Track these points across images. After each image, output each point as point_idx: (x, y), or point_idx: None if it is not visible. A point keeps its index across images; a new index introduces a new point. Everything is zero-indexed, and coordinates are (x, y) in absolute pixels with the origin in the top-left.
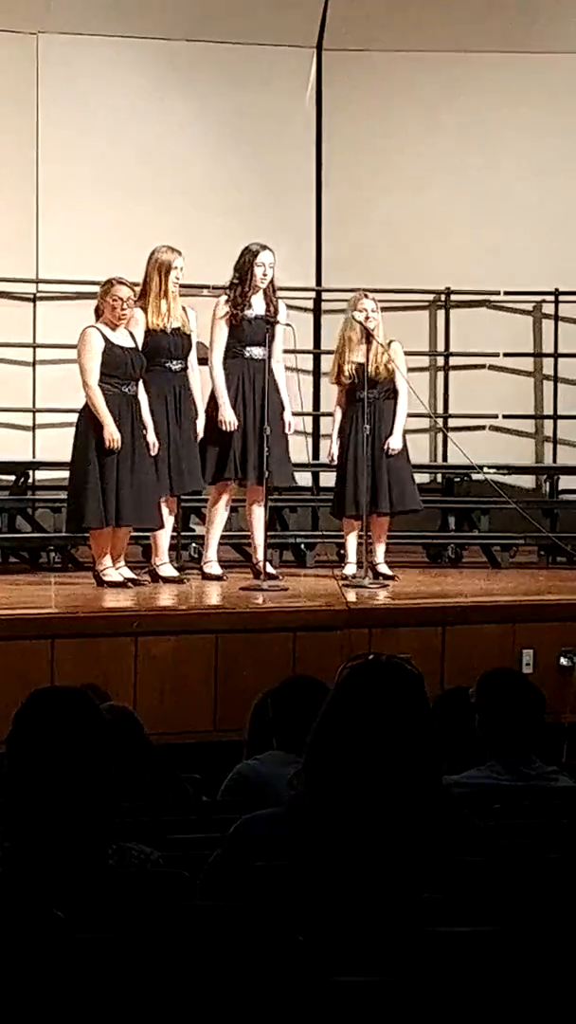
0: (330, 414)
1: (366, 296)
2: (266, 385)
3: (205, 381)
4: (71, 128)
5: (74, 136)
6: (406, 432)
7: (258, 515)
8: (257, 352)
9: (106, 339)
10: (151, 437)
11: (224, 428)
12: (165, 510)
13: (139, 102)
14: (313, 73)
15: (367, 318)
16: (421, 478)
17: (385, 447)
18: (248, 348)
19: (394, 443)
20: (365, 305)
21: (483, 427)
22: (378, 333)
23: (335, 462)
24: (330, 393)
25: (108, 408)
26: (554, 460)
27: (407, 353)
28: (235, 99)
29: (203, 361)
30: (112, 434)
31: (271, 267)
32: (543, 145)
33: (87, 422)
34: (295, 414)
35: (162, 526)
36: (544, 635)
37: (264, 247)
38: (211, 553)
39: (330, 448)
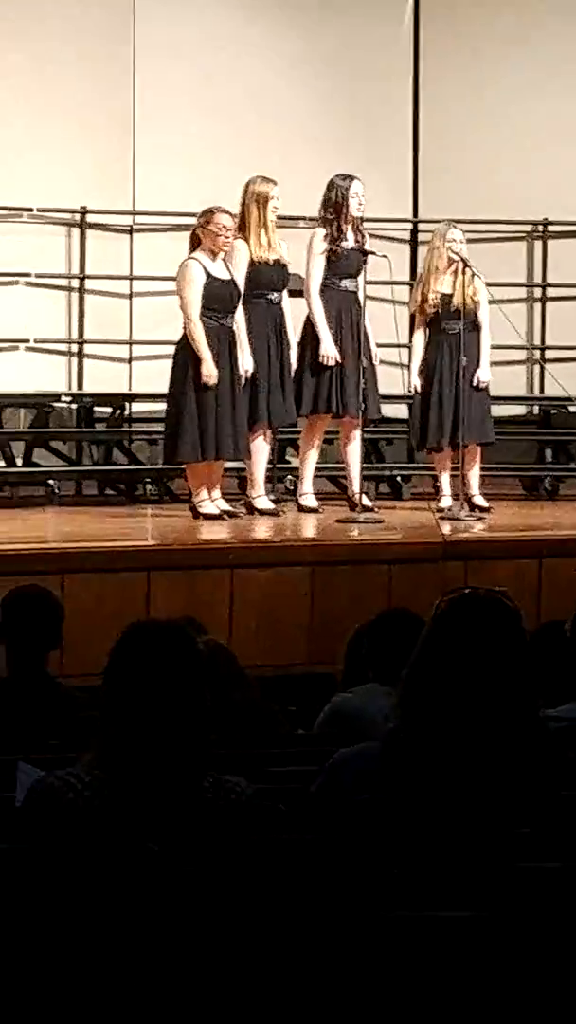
0: None
1: (455, 227)
2: (361, 317)
3: (294, 313)
4: (166, 58)
5: (169, 66)
6: (498, 364)
7: (354, 447)
8: (350, 284)
9: (207, 271)
10: (246, 365)
11: (326, 362)
12: (261, 441)
13: (234, 29)
14: None
15: (459, 249)
16: (517, 410)
17: (475, 381)
18: (342, 281)
19: (484, 376)
20: (455, 235)
21: None
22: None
23: (418, 392)
24: None
25: (208, 342)
26: None
27: (504, 284)
28: (331, 25)
29: (294, 293)
30: (210, 370)
31: (363, 196)
32: None
33: (186, 355)
34: (390, 346)
35: (251, 456)
36: None
37: (352, 177)
38: (307, 485)
39: (409, 378)
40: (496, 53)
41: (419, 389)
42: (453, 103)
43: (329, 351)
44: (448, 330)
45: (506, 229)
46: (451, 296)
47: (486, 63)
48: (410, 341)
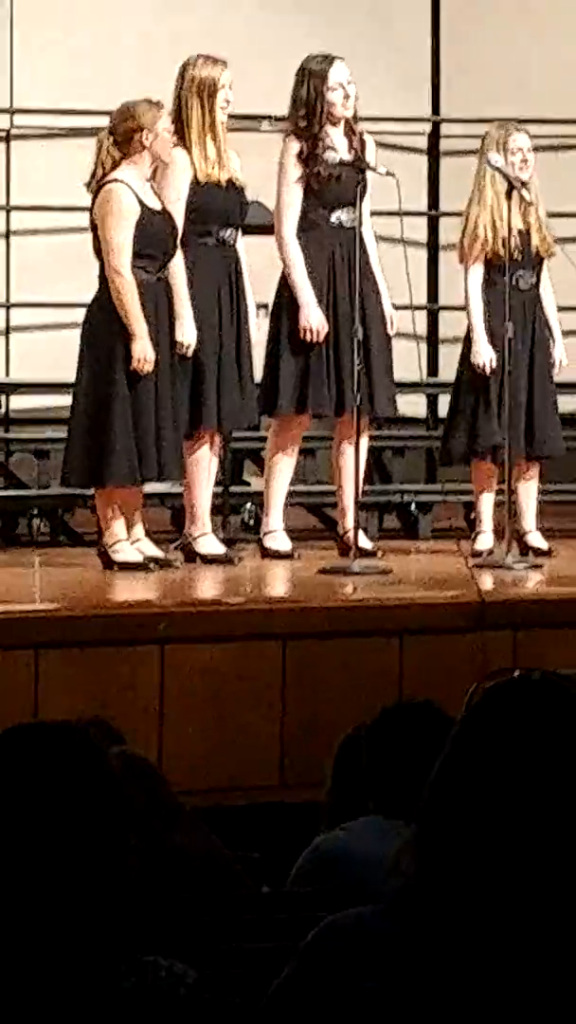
0: (455, 308)
1: (518, 130)
2: (366, 265)
3: (256, 260)
4: None
5: None
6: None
7: (349, 461)
8: (346, 217)
9: (140, 201)
10: (187, 339)
11: (309, 337)
12: (206, 452)
13: None
14: None
15: (524, 161)
16: None
17: (555, 363)
18: (333, 212)
19: (561, 355)
20: (519, 143)
21: None
22: (533, 186)
23: (487, 373)
24: (452, 277)
25: (142, 305)
26: None
27: (565, 215)
28: None
29: (253, 230)
30: (145, 351)
31: (350, 84)
32: None
33: (107, 326)
34: (402, 308)
35: (191, 476)
36: None
37: (332, 58)
38: (275, 519)
39: (473, 354)
40: None
41: (486, 369)
42: None
43: (314, 322)
44: (520, 285)
45: (564, 131)
46: (528, 236)
47: None
48: (466, 296)
